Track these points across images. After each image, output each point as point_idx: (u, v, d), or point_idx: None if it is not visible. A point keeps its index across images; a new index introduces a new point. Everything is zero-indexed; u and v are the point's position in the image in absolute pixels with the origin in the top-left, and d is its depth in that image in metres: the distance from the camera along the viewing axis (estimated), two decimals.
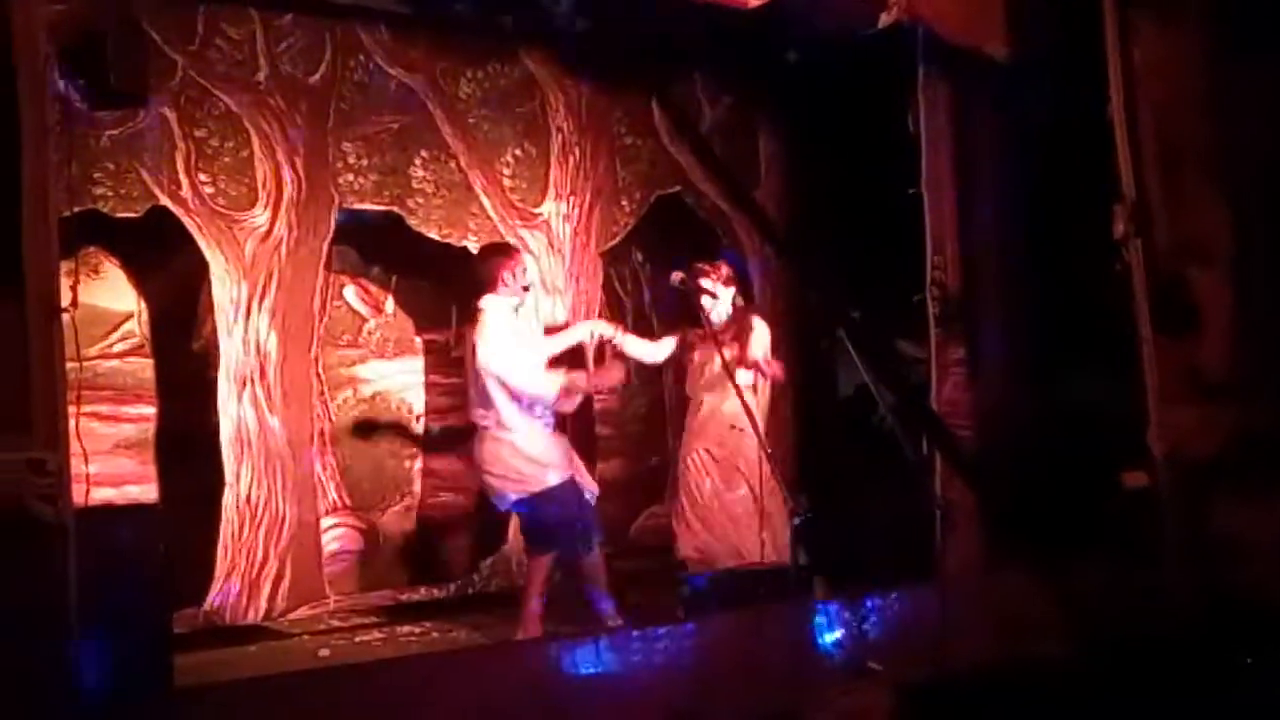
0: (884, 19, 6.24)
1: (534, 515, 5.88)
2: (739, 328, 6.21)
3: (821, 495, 6.65)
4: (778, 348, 6.60)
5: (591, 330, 6.34)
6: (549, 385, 5.87)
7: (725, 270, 6.30)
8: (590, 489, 6.02)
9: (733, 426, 6.09)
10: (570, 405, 6.19)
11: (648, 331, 6.94)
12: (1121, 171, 6.23)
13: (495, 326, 5.78)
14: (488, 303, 5.83)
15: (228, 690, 4.41)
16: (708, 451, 6.23)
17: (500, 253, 6.08)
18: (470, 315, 5.93)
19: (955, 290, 6.74)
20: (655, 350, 6.46)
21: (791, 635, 5.04)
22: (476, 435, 5.88)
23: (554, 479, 5.80)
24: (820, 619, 5.19)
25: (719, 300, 6.23)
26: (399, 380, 7.15)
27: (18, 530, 3.86)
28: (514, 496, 5.83)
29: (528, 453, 5.78)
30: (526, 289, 6.04)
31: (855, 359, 5.65)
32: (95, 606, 4.00)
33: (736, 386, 5.75)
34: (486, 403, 5.75)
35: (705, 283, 6.18)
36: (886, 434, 7.41)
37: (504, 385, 5.72)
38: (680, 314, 6.52)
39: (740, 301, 6.37)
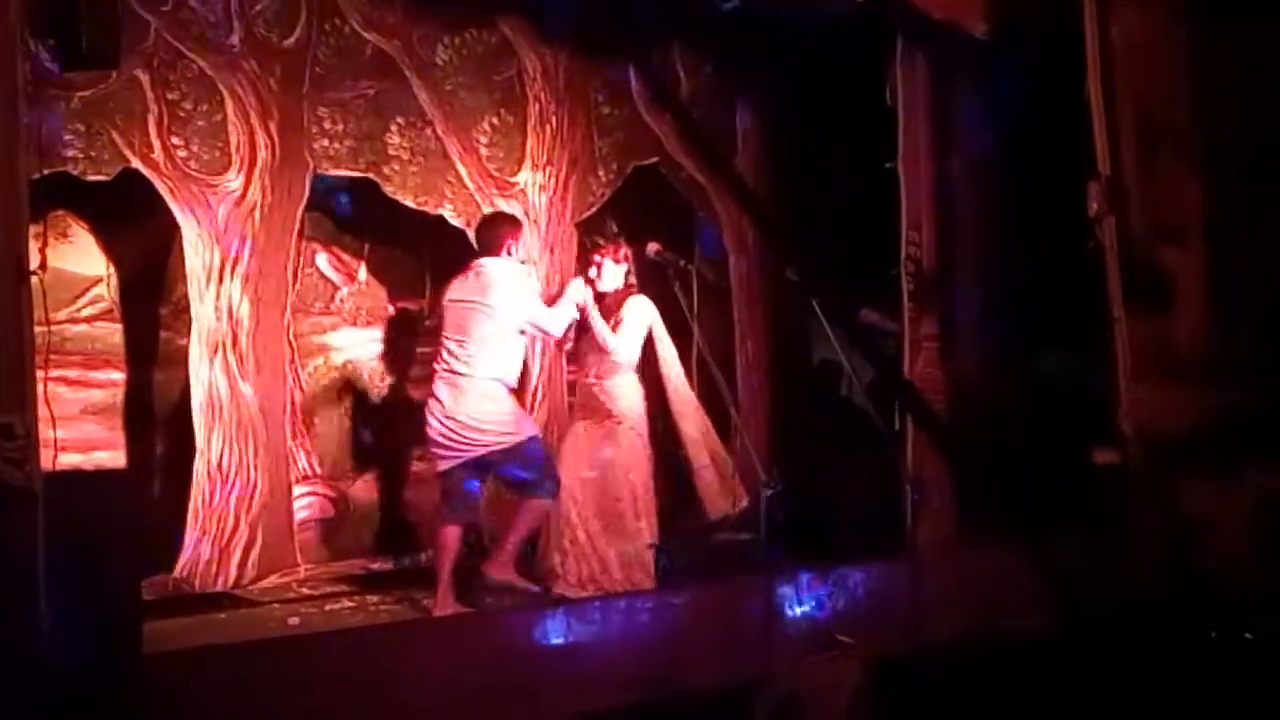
0: None
1: (516, 462, 5.91)
2: (617, 303, 6.12)
3: (794, 467, 6.67)
4: (754, 324, 6.57)
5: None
6: (564, 320, 6.06)
7: (622, 250, 6.28)
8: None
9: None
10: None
11: None
12: (1097, 149, 6.24)
13: (518, 280, 5.93)
14: (497, 262, 5.90)
15: (197, 657, 4.40)
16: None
17: (508, 223, 6.17)
18: (461, 273, 5.98)
19: (930, 265, 6.76)
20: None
21: (763, 606, 5.06)
22: (454, 389, 5.81)
23: (531, 430, 6.00)
24: (792, 590, 5.21)
25: (608, 278, 6.15)
26: (371, 349, 7.11)
27: None
28: (491, 448, 5.84)
29: (505, 404, 5.90)
30: (523, 262, 6.17)
31: (829, 332, 5.63)
32: (63, 572, 3.97)
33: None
34: (490, 355, 5.81)
35: (600, 259, 6.19)
36: (859, 407, 7.46)
37: (533, 333, 5.93)
38: (655, 285, 6.49)
39: (633, 281, 6.24)
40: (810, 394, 7.71)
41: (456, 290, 5.94)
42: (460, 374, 5.81)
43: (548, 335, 6.15)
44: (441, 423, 5.80)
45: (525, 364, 6.27)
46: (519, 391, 6.29)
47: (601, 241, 6.43)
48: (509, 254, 5.97)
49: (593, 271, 6.18)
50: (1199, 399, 6.06)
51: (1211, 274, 6.23)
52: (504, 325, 5.82)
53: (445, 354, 5.87)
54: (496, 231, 6.03)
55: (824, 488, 6.68)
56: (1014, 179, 6.76)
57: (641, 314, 6.11)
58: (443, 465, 5.90)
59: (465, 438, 5.80)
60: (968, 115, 6.84)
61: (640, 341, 6.12)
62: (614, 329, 6.05)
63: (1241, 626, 5.06)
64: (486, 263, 5.92)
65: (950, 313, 6.78)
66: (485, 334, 5.79)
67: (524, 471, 5.90)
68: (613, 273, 6.17)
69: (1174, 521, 5.86)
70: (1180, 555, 5.74)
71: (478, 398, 5.80)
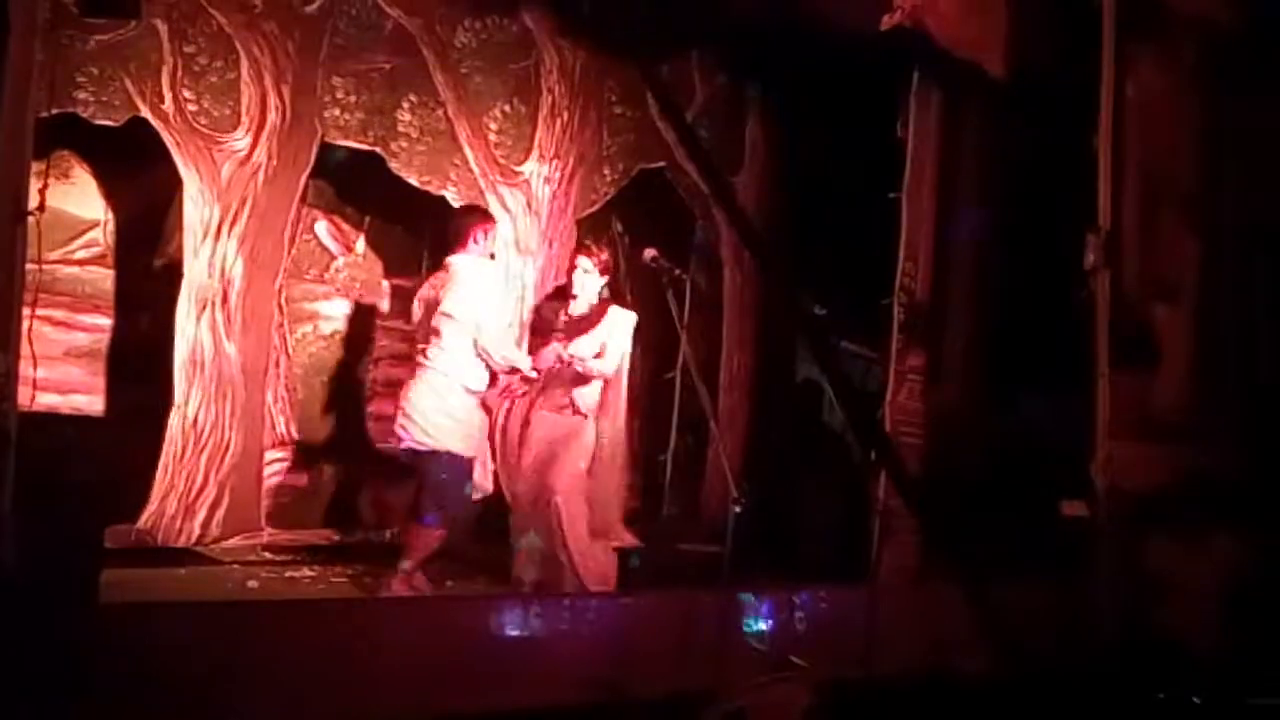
0: (887, 20, 6.24)
1: (425, 469, 5.70)
2: (596, 320, 5.93)
3: (766, 485, 6.69)
4: (743, 338, 6.53)
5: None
6: (517, 353, 5.86)
7: (605, 257, 6.03)
8: (483, 487, 5.85)
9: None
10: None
11: (619, 301, 6.79)
12: (1100, 202, 6.26)
13: (475, 280, 5.72)
14: (463, 260, 5.76)
15: (153, 609, 4.40)
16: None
17: (475, 214, 6.09)
18: (438, 266, 5.92)
19: (923, 298, 6.77)
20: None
21: (720, 620, 5.07)
22: (416, 379, 5.73)
23: (458, 447, 5.67)
24: (750, 607, 5.23)
25: (587, 286, 5.93)
26: (360, 321, 7.12)
27: None
28: (410, 443, 5.64)
29: (453, 408, 5.66)
30: (493, 255, 6.05)
31: (812, 355, 5.64)
32: (29, 512, 3.98)
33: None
34: (439, 346, 5.66)
35: (582, 260, 5.95)
36: (838, 432, 7.47)
37: (474, 340, 5.65)
38: (650, 290, 6.49)
39: (606, 294, 6.01)
40: (791, 413, 7.73)
41: (427, 287, 5.86)
42: (423, 365, 5.70)
43: (490, 359, 5.70)
44: (399, 407, 5.73)
45: None
46: None
47: (590, 245, 6.17)
48: (475, 242, 5.76)
49: (578, 278, 5.94)
50: (1175, 459, 6.06)
51: (1199, 336, 6.25)
52: (461, 328, 5.63)
53: (419, 344, 5.81)
54: (462, 223, 5.88)
55: (794, 508, 6.69)
56: (1015, 222, 6.79)
57: (626, 327, 5.92)
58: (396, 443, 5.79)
59: (400, 425, 5.67)
60: (975, 153, 6.86)
61: (625, 354, 5.94)
62: (599, 349, 5.83)
63: (1190, 690, 5.08)
64: (453, 260, 5.76)
65: (937, 347, 6.81)
66: (446, 333, 5.63)
67: (430, 480, 5.65)
68: (592, 283, 5.93)
69: (1136, 579, 5.88)
70: (1139, 613, 5.76)
71: (427, 390, 5.65)
